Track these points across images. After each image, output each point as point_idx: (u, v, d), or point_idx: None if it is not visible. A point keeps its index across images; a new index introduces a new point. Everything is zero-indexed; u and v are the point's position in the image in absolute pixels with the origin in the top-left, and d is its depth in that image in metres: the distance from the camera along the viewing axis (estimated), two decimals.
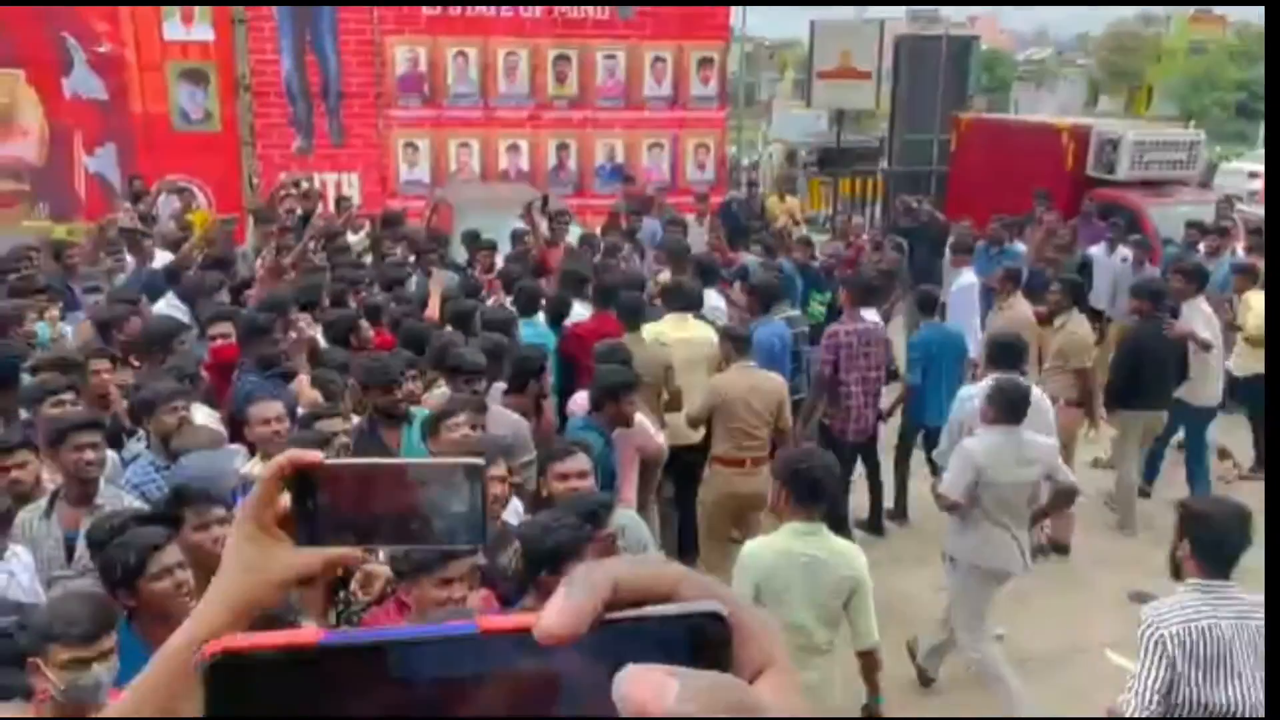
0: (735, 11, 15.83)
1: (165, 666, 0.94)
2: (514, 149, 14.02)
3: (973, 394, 5.66)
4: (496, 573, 3.47)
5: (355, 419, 4.82)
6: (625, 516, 4.07)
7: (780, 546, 4.00)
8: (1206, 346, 7.33)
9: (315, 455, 0.88)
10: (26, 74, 12.21)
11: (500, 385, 5.33)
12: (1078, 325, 7.21)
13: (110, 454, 4.44)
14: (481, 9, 13.50)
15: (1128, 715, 3.24)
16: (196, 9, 12.65)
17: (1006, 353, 5.82)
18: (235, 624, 0.94)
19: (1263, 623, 3.21)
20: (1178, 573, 3.43)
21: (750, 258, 9.43)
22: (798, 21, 23.95)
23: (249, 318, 5.79)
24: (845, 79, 16.45)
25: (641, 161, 14.42)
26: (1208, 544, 3.32)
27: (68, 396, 4.73)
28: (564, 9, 13.70)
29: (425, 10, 13.34)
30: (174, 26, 12.63)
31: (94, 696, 2.63)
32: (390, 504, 0.85)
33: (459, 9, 13.42)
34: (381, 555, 3.38)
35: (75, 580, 3.73)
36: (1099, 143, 12.62)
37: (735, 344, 5.98)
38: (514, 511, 4.15)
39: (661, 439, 5.50)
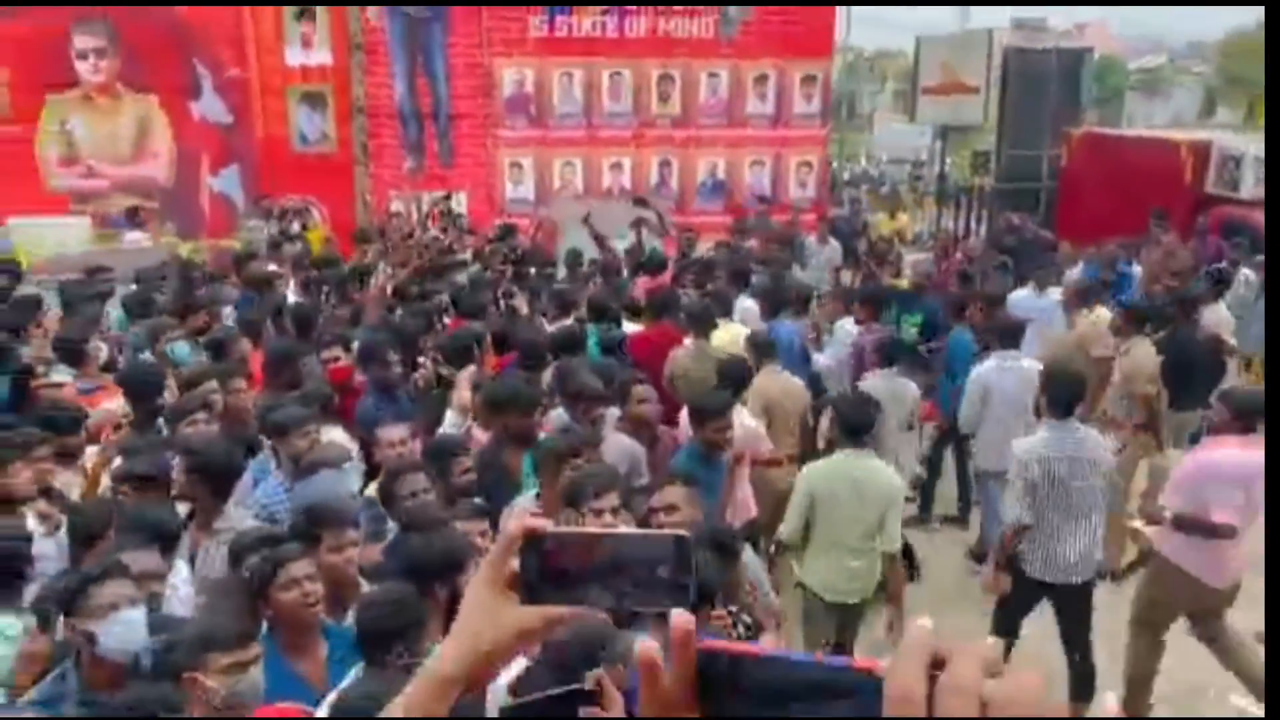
0: (839, 19, 15.67)
1: (425, 690, 1.05)
2: (617, 167, 14.19)
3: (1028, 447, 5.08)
4: None
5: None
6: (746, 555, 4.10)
7: (833, 466, 4.95)
8: (1231, 352, 7.68)
9: (546, 523, 0.97)
10: (159, 99, 12.84)
11: (615, 411, 5.31)
12: (1141, 349, 7.01)
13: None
14: (587, 30, 13.68)
15: None
16: (315, 34, 13.11)
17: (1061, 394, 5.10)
18: (477, 663, 1.03)
19: None
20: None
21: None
22: (898, 31, 23.66)
23: (366, 344, 5.91)
24: (951, 94, 16.15)
25: (743, 179, 14.45)
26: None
27: (200, 415, 4.89)
28: (668, 29, 13.81)
29: (532, 32, 13.60)
30: (295, 51, 13.14)
31: (254, 698, 2.78)
32: (604, 567, 0.93)
33: (565, 30, 13.63)
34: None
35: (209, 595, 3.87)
36: (1220, 158, 12.18)
37: (760, 349, 6.11)
38: None
39: (767, 443, 5.65)
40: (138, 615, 2.97)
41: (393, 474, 4.19)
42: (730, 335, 6.63)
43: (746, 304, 7.57)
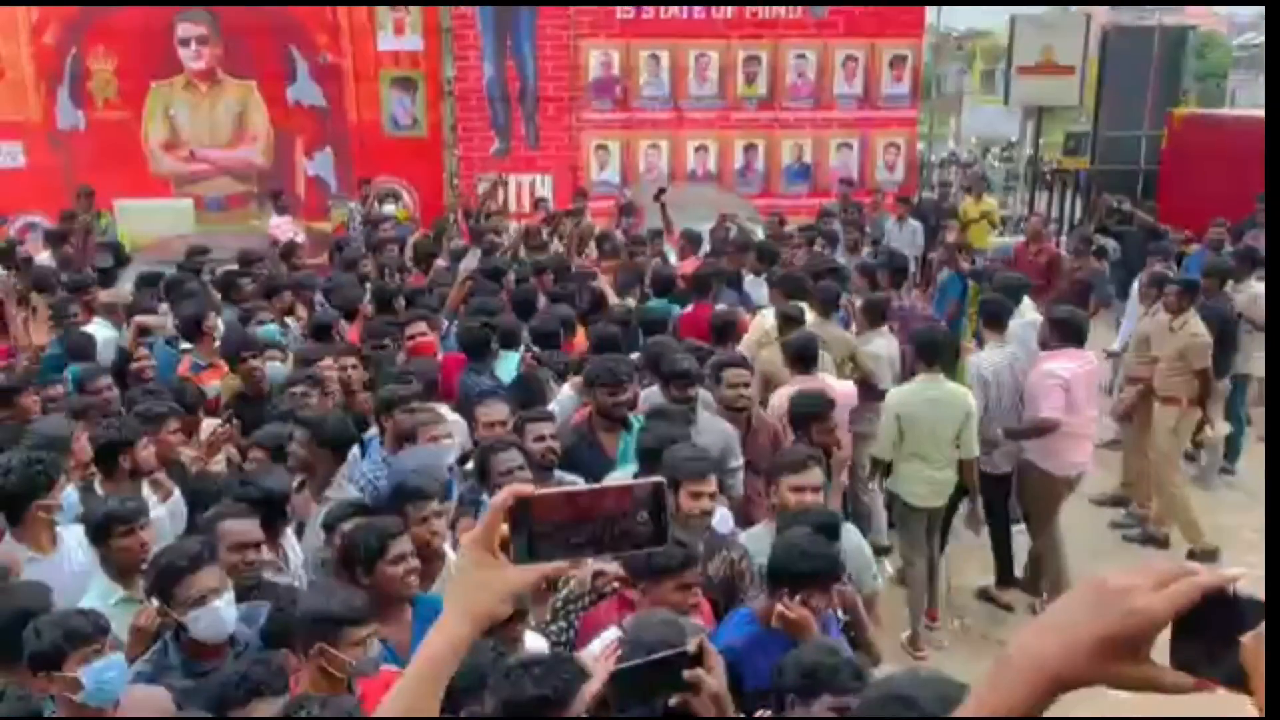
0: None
1: (428, 666, 1.15)
2: (702, 150, 14.04)
3: None
4: (706, 582, 3.55)
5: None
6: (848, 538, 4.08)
7: (913, 390, 5.76)
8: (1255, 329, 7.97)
9: (530, 488, 1.07)
10: (258, 84, 13.11)
11: (706, 393, 5.24)
12: (1197, 326, 7.06)
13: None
14: (674, 11, 13.56)
15: None
16: (407, 19, 13.26)
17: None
18: (475, 632, 1.13)
19: None
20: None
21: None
22: (986, 11, 22.99)
23: (466, 327, 5.99)
24: (1046, 74, 15.68)
25: (829, 162, 14.21)
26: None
27: (312, 392, 5.04)
28: (756, 9, 13.62)
29: (619, 14, 13.53)
30: (387, 37, 13.26)
31: (373, 668, 2.88)
32: (591, 521, 1.03)
33: (652, 12, 13.54)
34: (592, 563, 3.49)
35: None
36: None
37: (801, 359, 5.82)
38: (723, 520, 4.14)
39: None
40: (225, 605, 3.04)
41: (486, 451, 4.23)
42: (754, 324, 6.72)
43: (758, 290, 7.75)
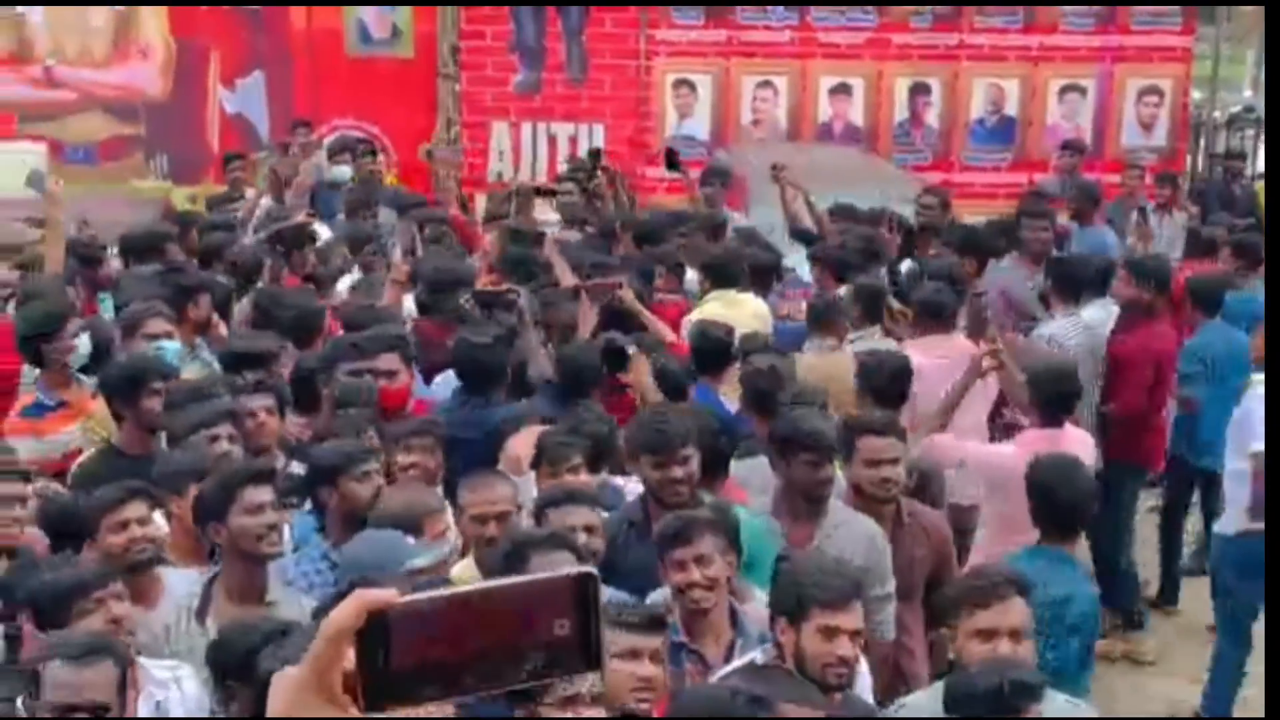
0: None
1: None
2: (842, 91, 10.19)
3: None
4: None
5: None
6: None
7: None
8: None
9: (389, 594, 0.87)
10: None
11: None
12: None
13: None
14: None
15: None
16: None
17: None
18: None
19: None
20: None
21: None
22: None
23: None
24: None
25: (1045, 115, 10.25)
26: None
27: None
28: None
29: None
30: None
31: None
32: (482, 639, 0.85)
33: None
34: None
35: None
36: None
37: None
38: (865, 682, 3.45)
39: None
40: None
41: (522, 548, 3.62)
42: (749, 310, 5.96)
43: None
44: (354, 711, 0.85)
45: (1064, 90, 10.18)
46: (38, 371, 5.03)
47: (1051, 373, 4.96)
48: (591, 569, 0.87)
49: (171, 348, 5.06)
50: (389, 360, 4.79)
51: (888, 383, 4.76)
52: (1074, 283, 6.12)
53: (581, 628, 0.83)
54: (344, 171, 8.52)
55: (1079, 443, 4.74)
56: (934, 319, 5.47)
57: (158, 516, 3.72)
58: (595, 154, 8.99)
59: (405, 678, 0.83)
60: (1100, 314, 6.13)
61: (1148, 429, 5.99)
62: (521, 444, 4.18)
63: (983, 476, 4.78)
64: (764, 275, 6.29)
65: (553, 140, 9.83)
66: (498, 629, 0.82)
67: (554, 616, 0.82)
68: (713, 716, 2.50)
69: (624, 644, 2.79)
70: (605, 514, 3.88)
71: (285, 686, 0.88)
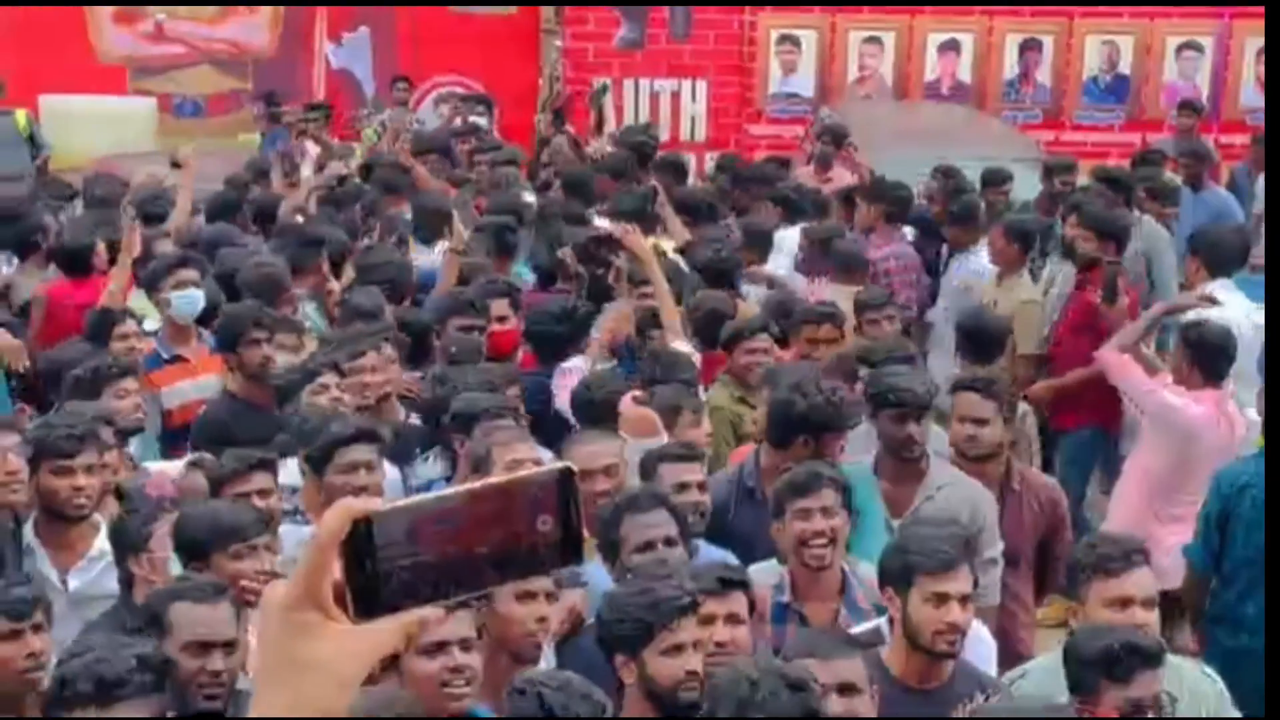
0: None
1: None
2: (950, 48, 10.11)
3: None
4: None
5: None
6: None
7: None
8: None
9: (373, 502, 0.85)
10: None
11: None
12: None
13: None
14: None
15: None
16: None
17: None
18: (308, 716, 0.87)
19: None
20: None
21: None
22: None
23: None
24: None
25: (1161, 74, 10.10)
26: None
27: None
28: None
29: None
30: None
31: None
32: (467, 540, 0.84)
33: None
34: None
35: None
36: None
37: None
38: (978, 644, 3.30)
39: None
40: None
41: (620, 510, 3.52)
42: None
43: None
44: (345, 622, 0.84)
45: (1181, 48, 9.94)
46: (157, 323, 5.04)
47: (1212, 332, 4.75)
48: (569, 465, 0.87)
49: (195, 295, 5.01)
50: (499, 306, 4.98)
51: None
52: (1222, 257, 5.74)
53: (563, 523, 0.84)
54: (481, 122, 8.78)
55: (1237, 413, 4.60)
56: None
57: (292, 464, 3.66)
58: (603, 89, 8.89)
59: (393, 584, 0.82)
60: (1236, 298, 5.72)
61: None
62: (633, 405, 4.10)
63: (1163, 423, 4.58)
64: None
65: (655, 97, 9.76)
66: (483, 529, 0.82)
67: (538, 513, 0.83)
68: (742, 696, 2.33)
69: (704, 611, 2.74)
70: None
71: (275, 600, 0.87)
